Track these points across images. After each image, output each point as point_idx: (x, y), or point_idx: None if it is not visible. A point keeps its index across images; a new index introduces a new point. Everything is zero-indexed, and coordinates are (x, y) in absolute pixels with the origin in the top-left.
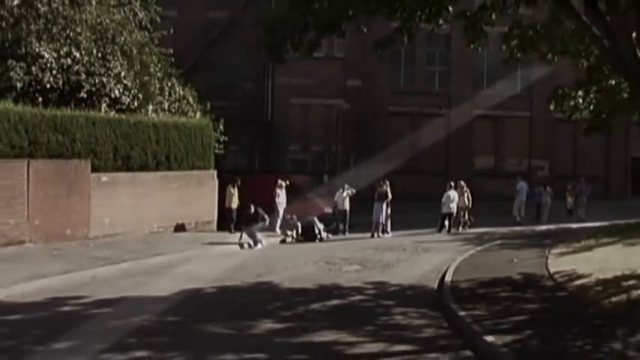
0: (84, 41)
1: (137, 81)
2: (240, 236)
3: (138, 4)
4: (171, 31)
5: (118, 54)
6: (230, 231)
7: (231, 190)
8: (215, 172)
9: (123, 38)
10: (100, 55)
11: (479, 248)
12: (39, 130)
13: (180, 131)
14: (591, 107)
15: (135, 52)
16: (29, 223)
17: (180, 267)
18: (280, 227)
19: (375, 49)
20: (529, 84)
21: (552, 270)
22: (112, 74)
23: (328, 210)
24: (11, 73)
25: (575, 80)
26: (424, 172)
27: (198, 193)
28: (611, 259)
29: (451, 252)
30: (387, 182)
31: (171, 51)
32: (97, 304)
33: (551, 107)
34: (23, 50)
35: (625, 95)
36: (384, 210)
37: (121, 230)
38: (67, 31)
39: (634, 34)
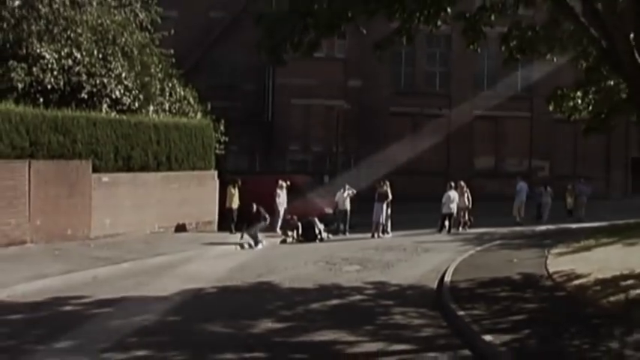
0: (85, 42)
1: (138, 82)
2: (241, 236)
3: (139, 5)
4: (172, 31)
5: (119, 55)
6: (231, 231)
7: (232, 190)
8: (216, 173)
9: (124, 39)
10: (100, 55)
11: (478, 248)
12: (40, 130)
13: (180, 132)
14: (590, 108)
15: (136, 52)
16: (30, 223)
17: (181, 267)
18: (281, 227)
19: (375, 51)
20: (529, 84)
21: (551, 270)
22: (113, 75)
23: (328, 210)
24: (12, 74)
25: (574, 81)
26: (424, 172)
27: (198, 194)
28: (610, 259)
29: (451, 252)
30: (387, 182)
31: (172, 51)
32: (98, 304)
33: (551, 108)
34: (24, 51)
35: (623, 96)
36: (385, 210)
37: (121, 230)
38: (68, 32)
39: (632, 35)
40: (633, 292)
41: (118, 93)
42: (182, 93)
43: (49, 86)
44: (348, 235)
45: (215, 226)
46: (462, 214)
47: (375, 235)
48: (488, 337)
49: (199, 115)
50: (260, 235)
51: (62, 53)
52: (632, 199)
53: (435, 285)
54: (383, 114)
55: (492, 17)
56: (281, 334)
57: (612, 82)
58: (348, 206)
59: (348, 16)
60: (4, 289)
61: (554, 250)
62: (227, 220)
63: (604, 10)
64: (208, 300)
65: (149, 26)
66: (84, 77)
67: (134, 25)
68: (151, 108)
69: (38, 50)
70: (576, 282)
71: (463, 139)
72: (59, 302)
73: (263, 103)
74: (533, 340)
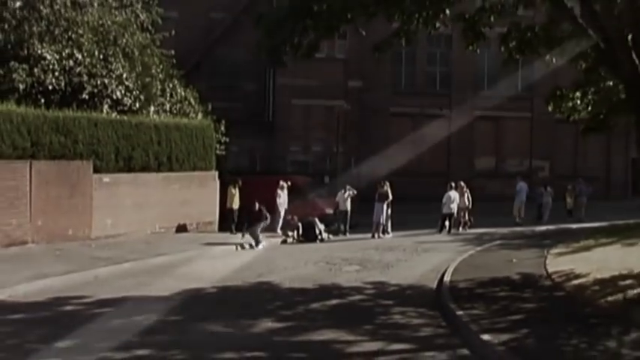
0: (86, 43)
1: (139, 82)
2: (242, 235)
3: (139, 6)
4: (173, 32)
5: (120, 55)
6: (231, 231)
7: (232, 190)
8: (216, 173)
9: (125, 40)
10: (101, 56)
11: (478, 248)
12: (41, 131)
13: (181, 132)
14: (589, 108)
15: (136, 53)
16: (32, 223)
17: (182, 267)
18: (281, 228)
19: (374, 52)
20: (530, 85)
21: (550, 270)
22: (114, 76)
23: (329, 211)
24: (14, 75)
25: (572, 81)
26: (425, 172)
27: (199, 194)
28: (609, 259)
29: (451, 252)
30: (388, 183)
31: (173, 52)
32: (99, 304)
33: (550, 108)
34: (25, 52)
35: (622, 96)
36: (385, 211)
37: (122, 231)
38: (69, 33)
39: (629, 37)
40: (631, 292)
41: (119, 94)
42: (183, 93)
43: (50, 87)
44: (348, 236)
45: (216, 226)
46: (462, 214)
47: (376, 235)
48: (486, 337)
49: (200, 115)
50: (260, 236)
51: (63, 54)
52: (632, 199)
53: (434, 285)
54: (383, 114)
55: (492, 18)
56: (281, 334)
57: (611, 83)
58: (348, 207)
59: (348, 17)
60: (6, 289)
61: (554, 250)
62: (228, 221)
63: (602, 11)
64: (209, 300)
65: (150, 27)
66: (85, 78)
67: (135, 25)
68: (152, 108)
69: (39, 51)
70: (575, 282)
71: (463, 140)
72: (60, 302)
73: (264, 104)
74: (531, 340)
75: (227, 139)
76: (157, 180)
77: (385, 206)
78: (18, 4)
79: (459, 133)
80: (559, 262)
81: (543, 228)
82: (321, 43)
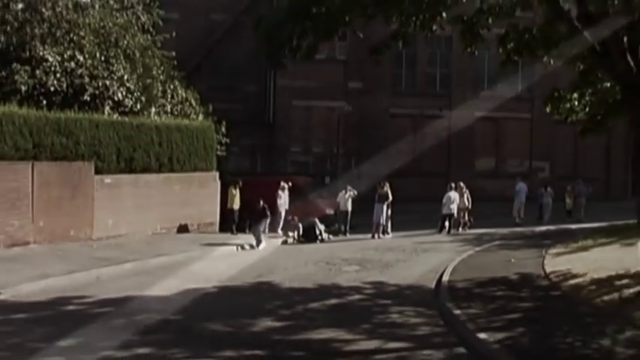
0: (87, 45)
1: (140, 84)
2: (248, 230)
3: (140, 8)
4: (174, 33)
5: (121, 57)
6: (232, 232)
7: (233, 191)
8: (217, 174)
9: (126, 41)
10: (103, 58)
11: (478, 249)
12: (43, 132)
13: (182, 133)
14: (587, 109)
15: (138, 55)
16: (34, 224)
17: (183, 267)
18: (282, 228)
19: (371, 54)
20: (530, 86)
21: (548, 270)
22: (115, 77)
23: (329, 211)
24: (16, 77)
25: (570, 83)
26: (425, 173)
27: (200, 195)
28: (607, 259)
29: (450, 253)
30: (387, 184)
31: (174, 53)
32: (101, 304)
33: (548, 110)
34: (27, 54)
35: (619, 98)
36: (385, 211)
37: (124, 231)
38: (71, 35)
39: (625, 39)
40: (627, 292)
41: (120, 95)
42: (184, 95)
43: (52, 88)
44: (348, 236)
45: (217, 227)
46: (461, 214)
47: (376, 235)
48: (482, 335)
49: (201, 116)
50: (263, 236)
51: (65, 56)
52: (631, 200)
53: (433, 285)
54: (383, 115)
55: (490, 20)
56: (280, 333)
57: (608, 85)
58: (349, 207)
59: (346, 20)
60: (9, 288)
61: (553, 251)
62: (228, 221)
63: (597, 14)
64: (209, 299)
65: (151, 29)
66: (86, 80)
67: (136, 27)
68: (153, 110)
69: (41, 53)
70: (572, 281)
71: (464, 140)
72: (62, 302)
73: (264, 105)
74: (527, 338)
75: (228, 140)
76: (158, 181)
77: (385, 207)
78: (20, 6)
79: (459, 133)
80: (557, 262)
81: (543, 228)
82: (321, 45)
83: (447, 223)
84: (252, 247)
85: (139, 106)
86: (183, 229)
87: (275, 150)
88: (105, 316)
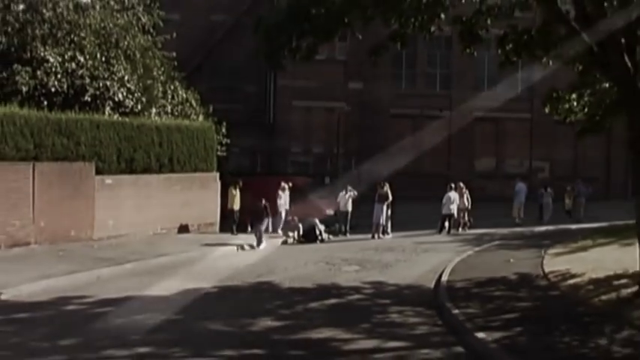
0: (88, 45)
1: (140, 84)
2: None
3: (141, 9)
4: (174, 34)
5: (122, 58)
6: (232, 232)
7: (233, 191)
8: (217, 174)
9: (126, 42)
10: (103, 59)
11: (477, 249)
12: (44, 133)
13: (183, 134)
14: (585, 110)
15: (138, 55)
16: (35, 224)
17: (183, 267)
18: (282, 228)
19: (370, 56)
20: (530, 86)
21: (547, 270)
22: (116, 78)
23: (329, 211)
24: (17, 78)
25: (569, 83)
26: (425, 173)
27: (201, 195)
28: (605, 259)
29: (450, 253)
30: (387, 184)
31: (174, 54)
32: (102, 304)
33: (546, 110)
34: (28, 55)
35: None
36: (385, 211)
37: (124, 232)
38: (72, 36)
39: (622, 40)
40: (624, 291)
41: (120, 96)
42: (184, 95)
43: (52, 89)
44: (348, 236)
45: (217, 227)
46: (461, 215)
47: (375, 236)
48: (480, 335)
49: (201, 117)
50: (263, 236)
51: (66, 57)
52: (631, 200)
53: (432, 285)
54: (384, 115)
55: (489, 21)
56: (280, 332)
57: (607, 85)
58: (349, 207)
59: (345, 21)
60: (10, 289)
61: (552, 251)
62: (228, 222)
63: (595, 15)
64: (209, 299)
65: (151, 29)
66: (87, 80)
67: (137, 28)
68: (154, 110)
69: (42, 54)
70: (570, 281)
71: (464, 141)
72: (64, 302)
73: (264, 105)
74: (524, 337)
75: (228, 141)
76: (158, 181)
77: (385, 207)
78: (21, 7)
79: (459, 134)
80: (556, 262)
81: (543, 228)
82: (321, 45)
83: (446, 224)
84: (252, 247)
85: (139, 107)
86: (183, 229)
87: (275, 150)
88: (106, 316)
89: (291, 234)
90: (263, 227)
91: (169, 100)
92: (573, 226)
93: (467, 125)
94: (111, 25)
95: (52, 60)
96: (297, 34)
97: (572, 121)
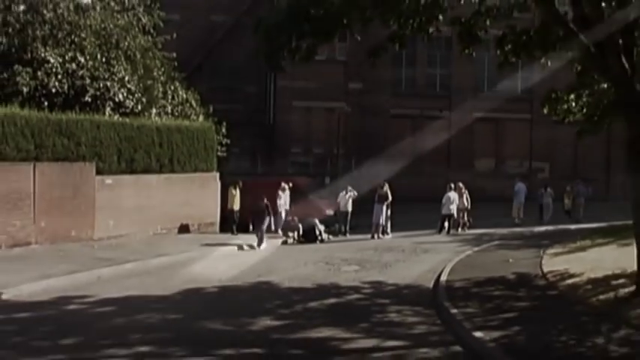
0: (88, 46)
1: (141, 85)
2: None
3: (141, 9)
4: (174, 35)
5: (122, 58)
6: (232, 232)
7: (233, 191)
8: (218, 175)
9: (127, 43)
10: (104, 59)
11: (476, 249)
12: (45, 133)
13: (183, 134)
14: (584, 110)
15: (138, 56)
16: (35, 224)
17: (183, 267)
18: (282, 229)
19: (369, 57)
20: (529, 86)
21: (546, 270)
22: (116, 78)
23: (329, 212)
24: (17, 78)
25: (567, 84)
26: (425, 174)
27: (201, 195)
28: (604, 259)
29: (449, 253)
30: (387, 184)
31: (174, 55)
32: (102, 303)
33: (545, 111)
34: (29, 55)
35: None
36: (384, 211)
37: (125, 232)
38: (72, 37)
39: (620, 41)
40: (622, 291)
41: (121, 96)
42: (184, 96)
43: (53, 90)
44: (348, 237)
45: (217, 227)
46: (461, 215)
47: (375, 236)
48: (478, 334)
49: (201, 117)
50: (264, 236)
51: (66, 57)
52: None
53: (431, 284)
54: (383, 116)
55: (487, 22)
56: (279, 331)
57: (605, 86)
58: (349, 208)
59: (344, 22)
60: (11, 288)
61: (551, 251)
62: (228, 222)
63: (592, 16)
64: (209, 299)
65: (152, 30)
66: (88, 81)
67: (137, 28)
68: (154, 111)
69: (43, 54)
70: (569, 281)
71: (463, 141)
72: (64, 301)
73: (264, 106)
74: (522, 337)
75: (228, 141)
76: (158, 181)
77: (385, 207)
78: (22, 8)
79: (459, 134)
80: (555, 262)
81: (542, 229)
82: (321, 46)
83: (446, 224)
84: (252, 247)
85: (139, 107)
86: (183, 229)
87: (275, 150)
88: (106, 315)
89: (291, 234)
90: (265, 227)
91: (169, 101)
92: (572, 227)
93: (467, 126)
94: (111, 25)
95: (52, 61)
96: (296, 35)
97: (571, 121)
